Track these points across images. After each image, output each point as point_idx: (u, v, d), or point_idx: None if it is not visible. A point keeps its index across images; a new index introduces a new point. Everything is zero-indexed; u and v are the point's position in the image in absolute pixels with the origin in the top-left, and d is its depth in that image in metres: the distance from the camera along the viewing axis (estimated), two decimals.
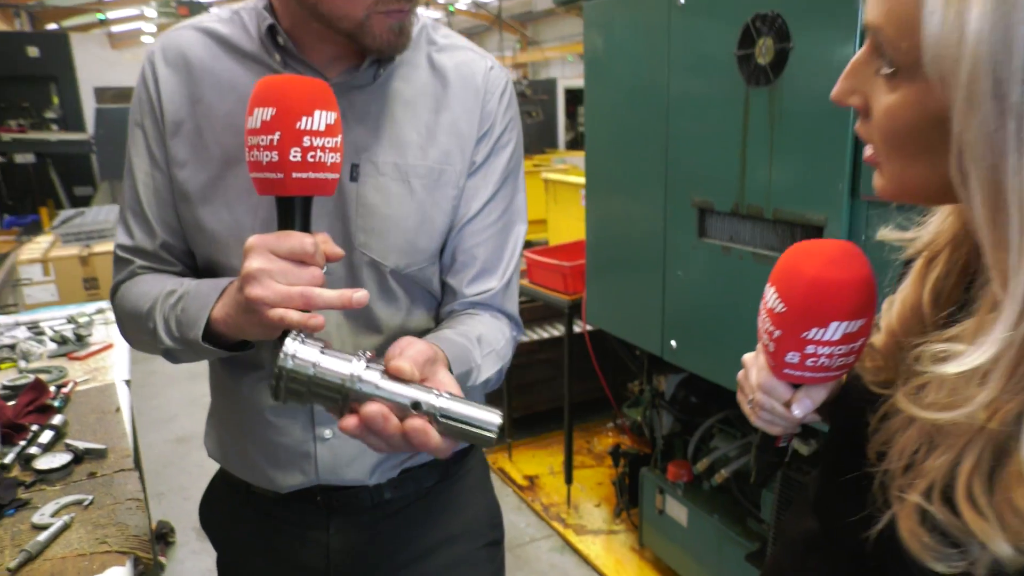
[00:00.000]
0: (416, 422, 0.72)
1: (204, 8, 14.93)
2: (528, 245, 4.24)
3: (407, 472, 1.09)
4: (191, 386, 4.70)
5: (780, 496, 2.04)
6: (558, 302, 3.05)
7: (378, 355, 0.77)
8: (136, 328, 0.99)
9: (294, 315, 0.75)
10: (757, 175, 1.88)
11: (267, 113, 0.75)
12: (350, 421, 0.72)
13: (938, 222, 0.72)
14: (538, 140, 10.14)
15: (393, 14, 0.88)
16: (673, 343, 2.27)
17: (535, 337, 3.85)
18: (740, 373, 0.84)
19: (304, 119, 0.75)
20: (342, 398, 0.73)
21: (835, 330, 0.68)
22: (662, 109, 2.17)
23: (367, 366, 0.74)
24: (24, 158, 8.10)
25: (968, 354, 0.54)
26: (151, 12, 17.63)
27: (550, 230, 5.63)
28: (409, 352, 0.76)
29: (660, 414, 2.66)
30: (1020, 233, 0.50)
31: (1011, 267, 0.51)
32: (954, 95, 0.50)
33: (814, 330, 0.69)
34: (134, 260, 1.03)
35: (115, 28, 22.36)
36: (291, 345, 0.73)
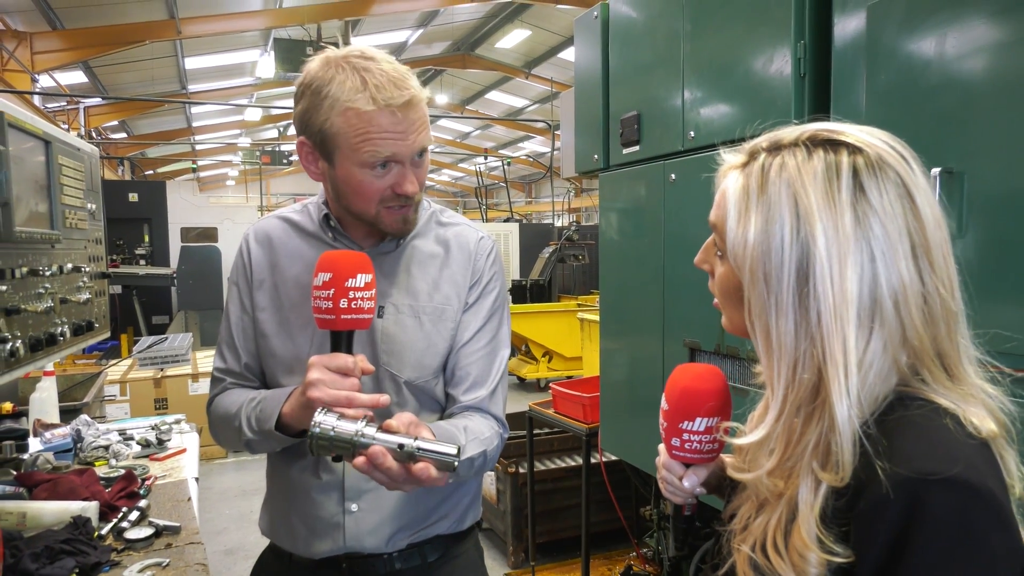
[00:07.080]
0: (420, 465, 1.04)
1: (284, 157, 16.48)
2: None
3: (414, 546, 1.38)
4: (242, 502, 5.02)
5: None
6: (578, 430, 3.34)
7: (376, 421, 1.10)
8: (225, 427, 1.36)
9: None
10: None
11: (327, 276, 1.13)
12: (359, 460, 1.05)
13: None
14: (583, 282, 10.56)
15: (395, 210, 1.28)
16: None
17: (561, 465, 4.08)
18: (656, 459, 1.17)
19: (350, 280, 1.13)
20: (352, 448, 1.07)
21: (700, 423, 1.02)
22: (659, 264, 2.56)
23: (367, 424, 1.07)
24: (112, 289, 8.97)
25: (754, 435, 0.87)
26: (237, 159, 19.49)
27: (585, 365, 5.88)
28: (399, 416, 1.11)
29: (667, 537, 2.86)
30: (778, 363, 0.83)
31: (774, 383, 0.84)
32: (743, 276, 0.86)
33: (686, 422, 1.02)
34: (225, 379, 1.42)
35: (203, 174, 24.57)
36: (318, 416, 1.08)
